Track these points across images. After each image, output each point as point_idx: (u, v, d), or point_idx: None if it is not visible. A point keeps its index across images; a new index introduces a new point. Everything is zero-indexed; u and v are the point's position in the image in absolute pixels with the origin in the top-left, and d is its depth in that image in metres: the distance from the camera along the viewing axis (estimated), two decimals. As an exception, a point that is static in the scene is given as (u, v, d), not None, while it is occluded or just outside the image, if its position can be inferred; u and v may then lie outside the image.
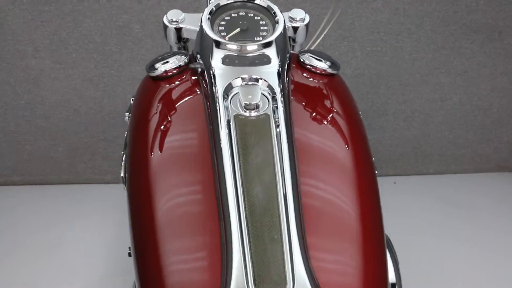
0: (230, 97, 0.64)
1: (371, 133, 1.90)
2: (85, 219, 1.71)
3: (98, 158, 1.87)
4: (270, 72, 0.66)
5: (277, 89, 0.65)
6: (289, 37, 0.81)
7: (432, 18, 1.75)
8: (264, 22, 0.71)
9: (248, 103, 0.62)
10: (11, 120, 1.80)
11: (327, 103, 0.70)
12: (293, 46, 0.83)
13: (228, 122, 0.61)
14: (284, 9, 0.80)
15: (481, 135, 1.95)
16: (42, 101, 1.77)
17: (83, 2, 1.64)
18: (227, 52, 0.67)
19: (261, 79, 0.66)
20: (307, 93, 0.71)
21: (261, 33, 0.70)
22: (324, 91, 0.72)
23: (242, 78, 0.65)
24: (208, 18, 0.70)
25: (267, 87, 0.65)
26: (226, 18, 0.71)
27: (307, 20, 0.80)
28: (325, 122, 0.66)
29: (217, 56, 0.67)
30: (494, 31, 1.78)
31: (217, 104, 0.63)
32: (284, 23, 0.71)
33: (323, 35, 0.94)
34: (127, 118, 0.81)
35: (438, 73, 1.83)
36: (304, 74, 0.73)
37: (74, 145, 1.84)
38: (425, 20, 1.75)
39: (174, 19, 0.79)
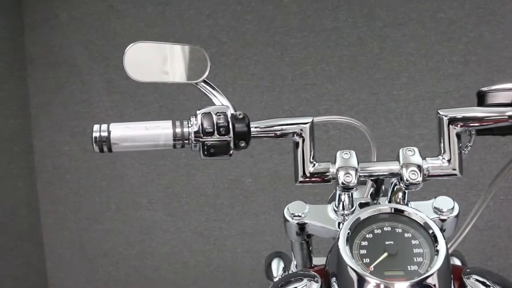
0: None
1: (513, 294, 1.64)
2: None
3: (205, 313, 1.79)
4: None
5: None
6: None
7: None
8: (417, 242, 0.58)
9: None
10: (122, 269, 1.82)
11: None
12: None
13: None
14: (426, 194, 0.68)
15: None
16: (152, 252, 1.78)
17: (196, 156, 1.67)
18: None
19: None
20: None
21: (415, 258, 0.56)
22: None
23: None
24: (347, 239, 0.58)
25: None
26: (368, 236, 0.59)
27: (456, 211, 0.66)
28: None
29: None
30: None
31: None
32: (447, 250, 0.57)
33: (473, 221, 0.80)
34: None
35: None
36: None
37: (182, 298, 1.80)
38: None
39: (296, 214, 0.69)
